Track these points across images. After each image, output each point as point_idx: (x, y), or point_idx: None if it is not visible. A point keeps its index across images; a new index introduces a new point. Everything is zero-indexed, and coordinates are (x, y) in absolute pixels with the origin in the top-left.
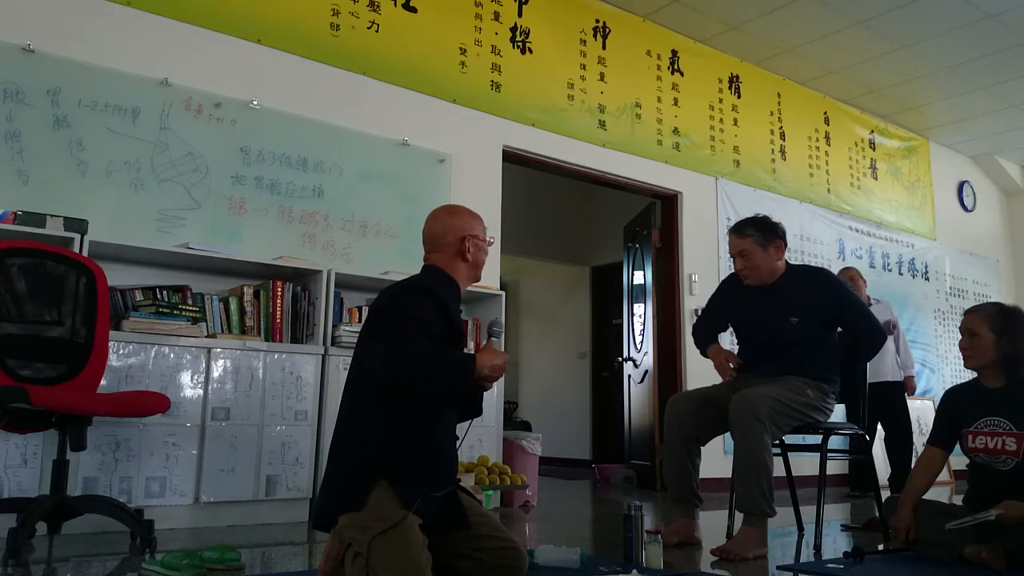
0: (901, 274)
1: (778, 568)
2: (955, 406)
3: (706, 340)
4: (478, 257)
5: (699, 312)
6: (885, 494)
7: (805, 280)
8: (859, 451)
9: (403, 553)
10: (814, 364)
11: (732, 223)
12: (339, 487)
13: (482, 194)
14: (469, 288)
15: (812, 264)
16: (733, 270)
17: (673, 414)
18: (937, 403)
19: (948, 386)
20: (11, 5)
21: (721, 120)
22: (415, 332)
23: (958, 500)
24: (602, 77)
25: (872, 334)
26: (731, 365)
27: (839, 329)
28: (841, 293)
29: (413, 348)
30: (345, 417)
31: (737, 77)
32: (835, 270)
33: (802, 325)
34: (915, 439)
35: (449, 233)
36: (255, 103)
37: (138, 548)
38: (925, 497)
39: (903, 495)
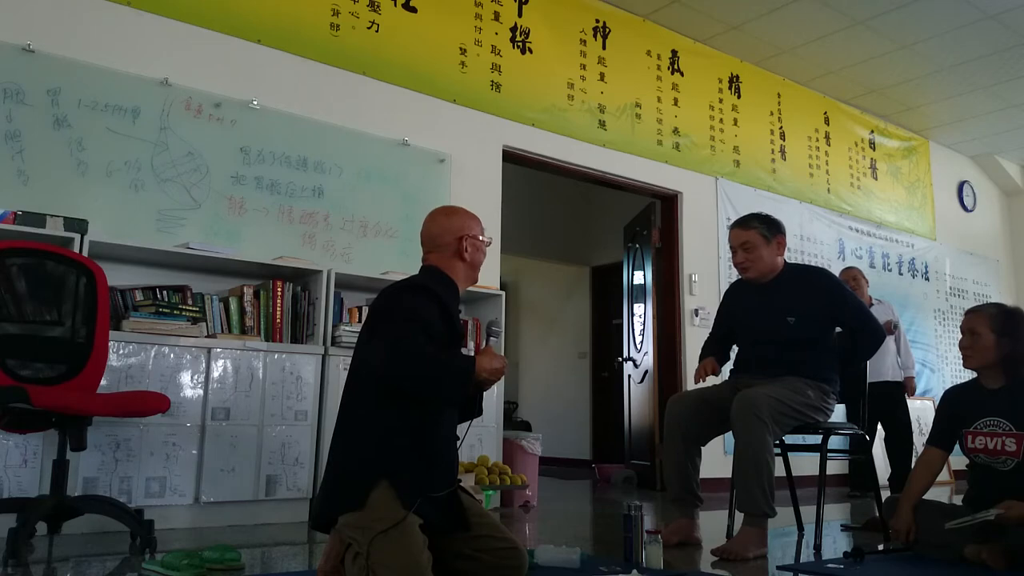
0: (901, 274)
1: (778, 568)
2: (955, 406)
3: (705, 354)
4: (476, 257)
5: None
6: (885, 494)
7: (802, 280)
8: (859, 451)
9: (403, 553)
10: (814, 364)
11: (732, 223)
12: (339, 487)
13: (482, 194)
14: (469, 288)
15: (812, 264)
16: (732, 265)
17: (673, 414)
18: (937, 403)
19: (948, 386)
20: (11, 5)
21: (721, 120)
22: (417, 332)
23: (958, 500)
24: (602, 77)
25: (870, 332)
26: (706, 373)
27: (838, 329)
28: (838, 292)
29: (416, 350)
30: (345, 417)
31: (737, 77)
32: (835, 270)
33: (799, 325)
34: (915, 439)
35: (446, 233)
36: (255, 103)
37: (138, 548)
38: (925, 497)
39: (903, 496)
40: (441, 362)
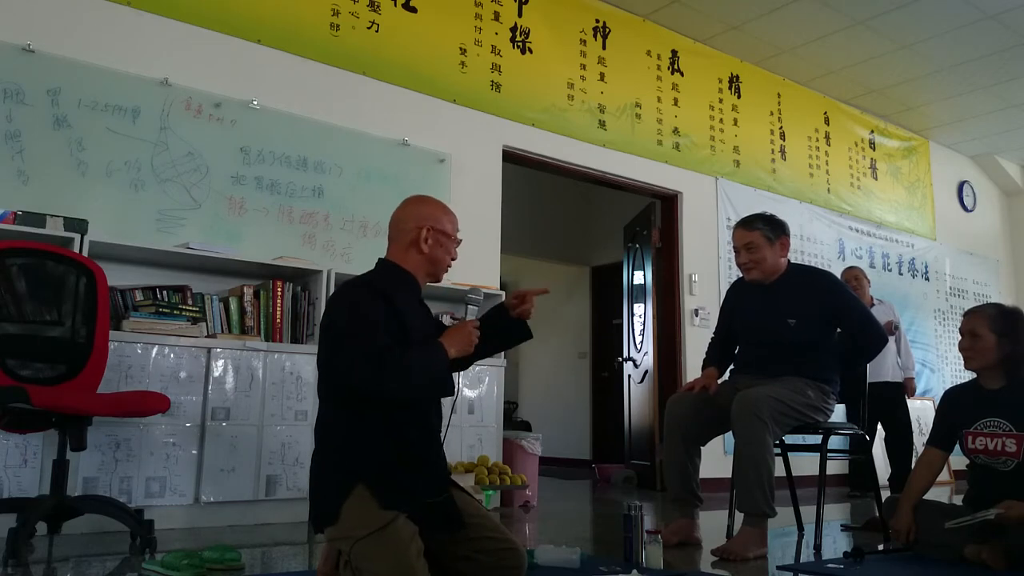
0: (901, 274)
1: (778, 568)
2: (954, 407)
3: (708, 362)
4: (436, 252)
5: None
6: (885, 494)
7: (805, 282)
8: (859, 451)
9: (387, 555)
10: (814, 365)
11: (732, 223)
12: (314, 502)
13: (482, 194)
14: (468, 288)
15: (812, 264)
16: (735, 265)
17: (673, 414)
18: (937, 403)
19: (948, 386)
20: (11, 5)
21: (721, 120)
22: (376, 337)
23: (958, 500)
24: (602, 77)
25: (871, 337)
26: (700, 387)
27: (839, 330)
28: (840, 296)
29: (382, 359)
30: (317, 426)
31: (737, 77)
32: (836, 270)
33: (800, 327)
34: (915, 439)
35: (409, 220)
36: (255, 103)
37: (138, 548)
38: (925, 498)
39: (903, 496)
40: (414, 363)
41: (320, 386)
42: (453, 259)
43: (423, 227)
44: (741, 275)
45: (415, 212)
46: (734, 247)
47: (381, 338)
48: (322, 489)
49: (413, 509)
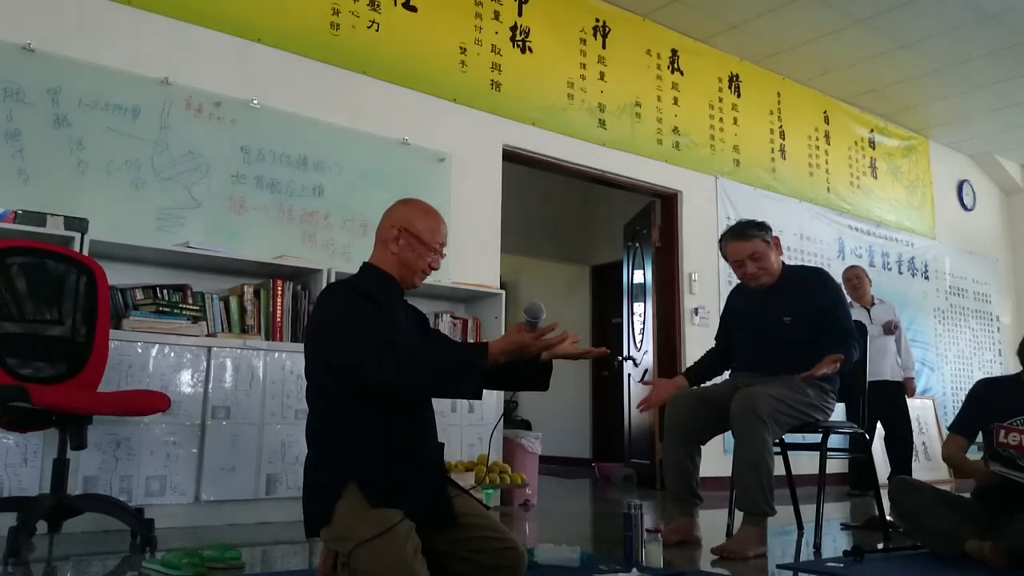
0: (901, 273)
1: (778, 567)
2: (989, 399)
3: (687, 370)
4: (406, 255)
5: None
6: (884, 493)
7: (798, 279)
8: (859, 450)
9: (387, 557)
10: (813, 363)
11: (732, 222)
12: (307, 504)
13: (482, 194)
14: (468, 287)
15: (810, 264)
16: (735, 276)
17: (673, 413)
18: (935, 401)
19: (947, 385)
20: (11, 5)
21: (721, 119)
22: (377, 330)
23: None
24: (602, 76)
25: (840, 335)
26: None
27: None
28: (832, 296)
29: (388, 350)
30: (308, 433)
31: (737, 76)
32: (836, 269)
33: (795, 325)
34: (914, 438)
35: (387, 220)
36: (255, 102)
37: (138, 547)
38: (935, 486)
39: (967, 466)
40: (417, 357)
41: (309, 392)
42: (432, 267)
43: (396, 227)
44: (753, 285)
45: (395, 212)
46: (733, 261)
47: (382, 330)
48: (314, 490)
49: (405, 507)
